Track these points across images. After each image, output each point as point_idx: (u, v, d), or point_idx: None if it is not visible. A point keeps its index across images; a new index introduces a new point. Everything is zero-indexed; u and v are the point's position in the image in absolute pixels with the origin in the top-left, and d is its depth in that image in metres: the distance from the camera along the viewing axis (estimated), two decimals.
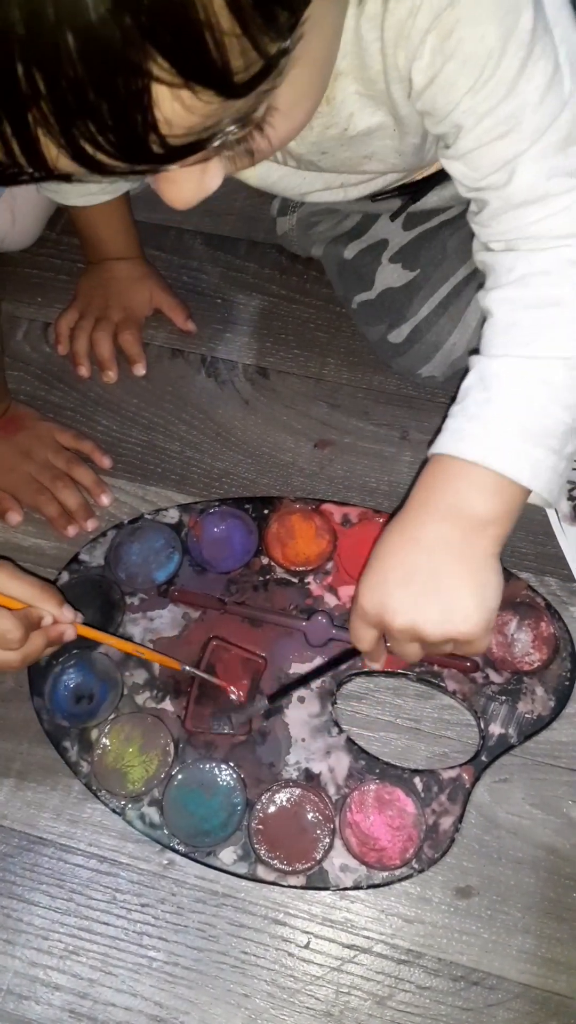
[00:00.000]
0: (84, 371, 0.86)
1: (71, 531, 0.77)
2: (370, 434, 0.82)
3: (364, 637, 0.60)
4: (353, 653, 0.67)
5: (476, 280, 0.74)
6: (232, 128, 0.34)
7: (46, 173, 0.31)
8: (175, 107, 0.30)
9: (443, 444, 0.57)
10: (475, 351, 0.59)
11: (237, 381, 0.86)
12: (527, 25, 0.46)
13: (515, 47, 0.47)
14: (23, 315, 0.90)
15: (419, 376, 0.79)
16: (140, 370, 0.85)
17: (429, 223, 0.77)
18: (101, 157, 0.30)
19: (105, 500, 0.79)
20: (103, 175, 0.32)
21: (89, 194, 0.79)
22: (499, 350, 0.57)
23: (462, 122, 0.51)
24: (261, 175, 0.64)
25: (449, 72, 0.48)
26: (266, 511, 0.76)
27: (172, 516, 0.77)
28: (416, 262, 0.76)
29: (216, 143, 0.34)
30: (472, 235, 0.76)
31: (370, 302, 0.78)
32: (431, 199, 0.75)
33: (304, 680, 0.69)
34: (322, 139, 0.56)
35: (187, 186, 0.39)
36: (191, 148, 0.32)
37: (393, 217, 0.76)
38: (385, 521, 0.75)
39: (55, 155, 0.30)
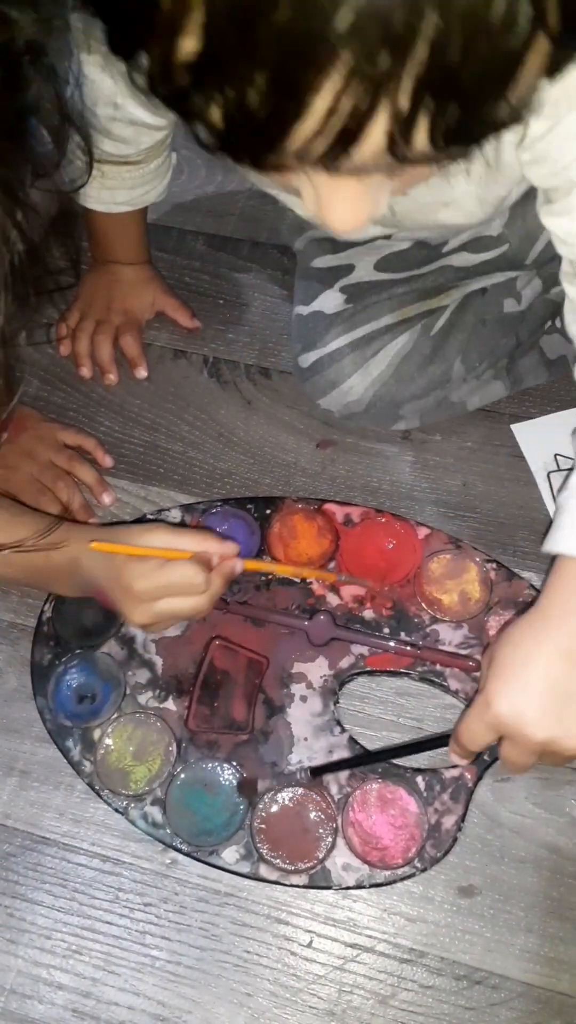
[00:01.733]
0: (86, 372, 0.86)
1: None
2: (372, 434, 0.82)
3: (482, 740, 0.58)
4: (442, 741, 0.63)
5: (394, 332, 0.74)
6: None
7: (343, 155, 0.31)
8: (532, 81, 0.30)
9: (569, 543, 0.56)
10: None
11: (239, 381, 0.86)
12: None
13: None
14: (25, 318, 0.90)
15: (317, 406, 0.79)
16: (141, 373, 0.86)
17: (397, 274, 0.76)
18: (422, 140, 0.30)
19: (107, 499, 0.79)
20: (398, 166, 0.32)
21: (114, 203, 0.79)
22: None
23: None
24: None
25: (571, 123, 0.47)
26: (268, 511, 0.76)
27: (174, 516, 0.77)
28: (356, 299, 0.76)
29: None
30: (420, 294, 0.75)
31: (302, 317, 0.78)
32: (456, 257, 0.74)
33: (368, 759, 0.67)
34: (409, 175, 0.55)
35: (362, 206, 0.37)
36: (501, 125, 0.32)
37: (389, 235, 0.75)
38: (387, 520, 0.75)
39: (379, 134, 0.30)
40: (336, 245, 0.78)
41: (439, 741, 0.64)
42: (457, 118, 0.29)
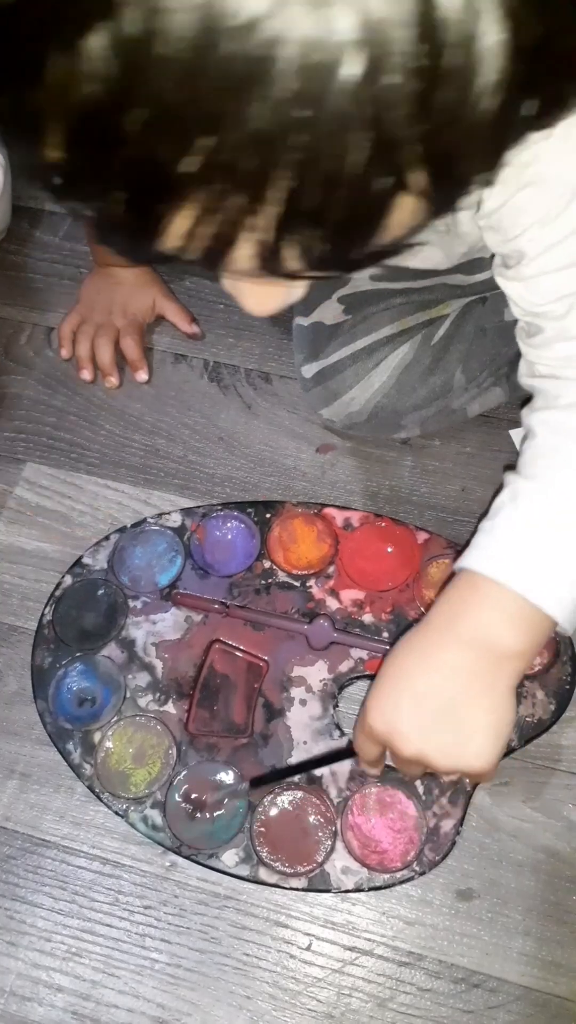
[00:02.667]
0: (87, 375, 0.86)
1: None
2: (371, 439, 0.82)
3: (368, 753, 0.58)
4: (351, 753, 0.63)
5: (395, 343, 0.75)
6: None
7: (217, 273, 0.29)
8: (404, 218, 0.28)
9: (473, 560, 0.55)
10: (511, 467, 0.58)
11: (239, 386, 0.86)
12: None
13: None
14: (26, 320, 0.90)
15: (320, 416, 0.79)
16: (142, 376, 0.86)
17: (393, 284, 0.76)
18: (291, 264, 0.28)
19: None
20: (276, 279, 0.30)
21: None
22: (538, 472, 0.55)
23: (526, 249, 0.50)
24: None
25: (521, 199, 0.48)
26: (268, 515, 0.77)
27: (175, 520, 0.77)
28: (355, 309, 0.76)
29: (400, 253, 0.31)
30: (418, 305, 0.75)
31: (303, 328, 0.78)
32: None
33: (292, 771, 0.67)
34: None
35: (275, 294, 0.37)
36: (382, 255, 0.30)
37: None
38: (386, 525, 0.75)
39: (242, 256, 0.28)
40: None
41: (349, 752, 0.63)
42: (329, 250, 0.28)
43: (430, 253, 0.58)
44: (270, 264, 0.29)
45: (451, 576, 0.58)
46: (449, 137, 0.25)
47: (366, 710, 0.56)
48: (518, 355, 0.75)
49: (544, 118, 0.28)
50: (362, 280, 0.76)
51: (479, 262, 0.74)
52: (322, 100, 0.23)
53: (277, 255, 0.28)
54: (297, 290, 0.37)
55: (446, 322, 0.76)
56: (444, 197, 0.28)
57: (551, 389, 0.57)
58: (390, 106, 0.24)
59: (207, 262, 0.29)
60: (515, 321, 0.77)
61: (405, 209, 0.27)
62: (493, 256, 0.74)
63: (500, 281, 0.56)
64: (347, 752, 0.64)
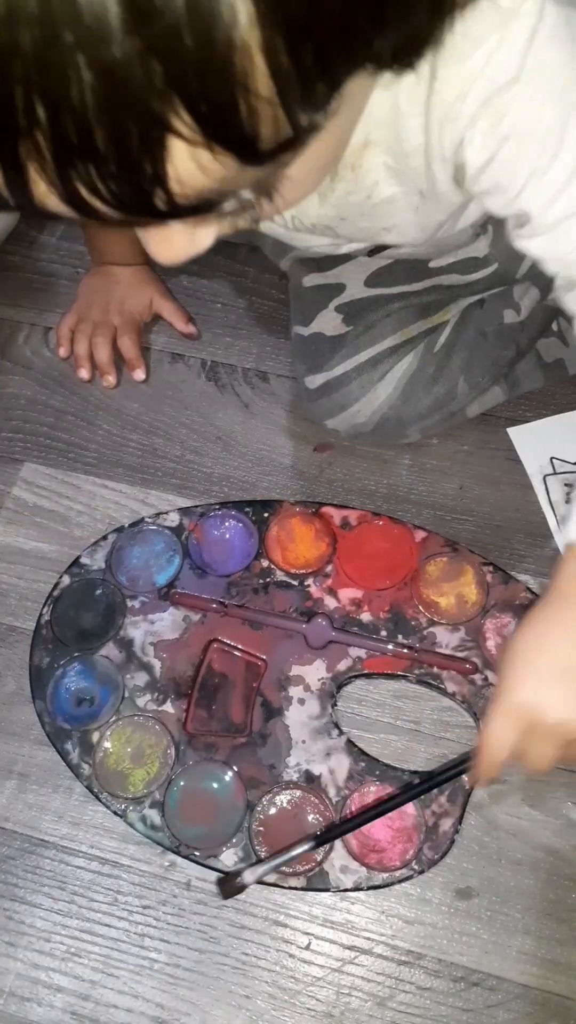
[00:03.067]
0: (85, 373, 0.86)
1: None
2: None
3: (506, 740, 0.53)
4: (459, 767, 0.58)
5: (399, 354, 0.74)
6: (244, 194, 0.32)
7: (29, 208, 0.30)
8: (190, 166, 0.28)
9: None
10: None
11: (237, 385, 0.86)
12: None
13: None
14: (24, 320, 0.90)
15: (324, 426, 0.79)
16: (140, 375, 0.86)
17: (389, 289, 0.76)
18: (95, 203, 0.28)
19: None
20: (92, 220, 0.30)
21: None
22: None
23: (534, 201, 0.49)
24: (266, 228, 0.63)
25: (507, 153, 0.47)
26: (266, 514, 0.77)
27: (173, 519, 0.77)
28: (355, 319, 0.76)
29: (224, 207, 0.32)
30: (418, 311, 0.75)
31: (303, 338, 0.78)
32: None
33: (360, 821, 0.62)
34: (343, 204, 0.55)
35: (178, 243, 0.37)
36: (196, 208, 0.31)
37: (371, 253, 0.76)
38: (384, 524, 0.75)
39: (43, 192, 0.28)
40: (321, 264, 0.78)
41: (453, 770, 0.59)
42: (118, 190, 0.28)
43: (403, 227, 0.57)
44: (75, 203, 0.28)
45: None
46: (185, 67, 0.25)
47: (507, 685, 0.54)
48: (518, 357, 0.75)
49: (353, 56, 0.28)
50: (356, 287, 0.76)
51: (473, 261, 0.74)
52: (33, 20, 0.24)
53: (73, 193, 0.28)
54: (201, 240, 0.38)
55: (447, 328, 0.76)
56: (229, 143, 0.28)
57: None
58: (100, 22, 0.24)
59: (15, 200, 0.29)
60: (515, 324, 0.77)
61: (183, 154, 0.27)
62: (487, 255, 0.74)
63: (521, 244, 0.55)
64: (457, 765, 0.59)
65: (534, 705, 0.53)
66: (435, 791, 0.66)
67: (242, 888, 0.60)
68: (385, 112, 0.47)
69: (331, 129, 0.33)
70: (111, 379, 0.86)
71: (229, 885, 0.61)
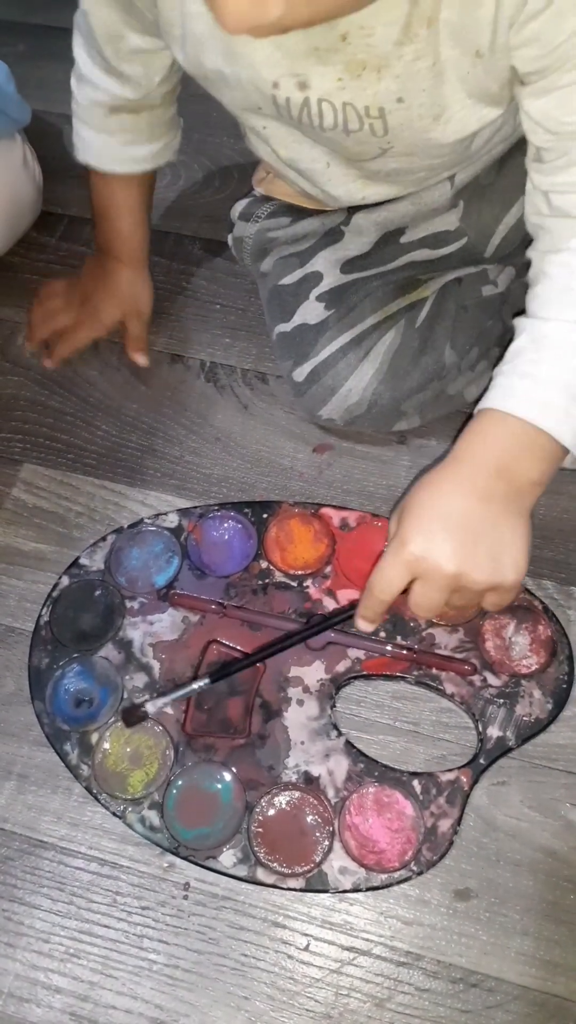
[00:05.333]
0: (31, 346, 0.89)
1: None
2: (368, 438, 0.82)
3: (397, 584, 0.59)
4: (343, 613, 0.66)
5: (381, 330, 0.75)
6: None
7: None
8: None
9: (494, 399, 0.58)
10: (520, 312, 0.60)
11: (236, 386, 0.86)
12: None
13: None
14: (23, 320, 0.90)
15: (319, 418, 0.78)
16: (49, 364, 0.87)
17: (364, 272, 0.77)
18: None
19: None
20: None
21: (134, 161, 0.79)
22: (552, 313, 0.58)
23: (569, 54, 0.51)
24: (293, 155, 0.65)
25: (563, 2, 0.49)
26: (265, 515, 0.77)
27: (172, 520, 0.77)
28: (336, 303, 0.76)
29: None
30: (395, 289, 0.76)
31: (286, 335, 0.78)
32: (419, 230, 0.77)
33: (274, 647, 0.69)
34: (407, 74, 0.56)
35: (244, 4, 0.40)
36: None
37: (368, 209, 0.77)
38: (383, 525, 0.75)
39: None
40: (303, 257, 0.79)
41: (345, 614, 0.66)
42: None
43: (456, 110, 0.59)
44: None
45: (469, 418, 0.60)
46: None
47: (404, 536, 0.58)
48: (505, 333, 0.76)
49: None
50: (333, 276, 0.77)
51: (444, 235, 0.76)
52: None
53: None
54: (273, 6, 0.40)
55: (427, 304, 0.77)
56: None
57: (564, 229, 0.59)
58: None
59: None
60: (494, 295, 0.79)
61: None
62: (457, 228, 0.76)
63: (527, 101, 0.56)
64: (344, 612, 0.66)
65: (427, 552, 0.57)
66: (433, 792, 0.66)
67: (144, 716, 0.68)
68: None
69: None
70: (48, 363, 0.87)
71: (132, 715, 0.68)
